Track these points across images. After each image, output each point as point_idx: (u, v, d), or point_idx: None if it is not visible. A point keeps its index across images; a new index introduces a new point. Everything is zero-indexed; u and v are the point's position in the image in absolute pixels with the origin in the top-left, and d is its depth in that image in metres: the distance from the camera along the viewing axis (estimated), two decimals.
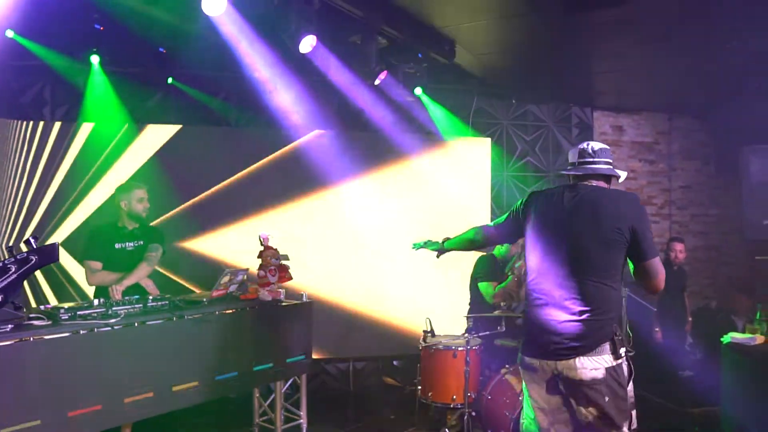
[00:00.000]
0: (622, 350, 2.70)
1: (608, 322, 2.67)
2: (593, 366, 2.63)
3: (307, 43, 3.81)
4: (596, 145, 2.90)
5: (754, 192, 4.45)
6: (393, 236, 5.90)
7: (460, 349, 4.27)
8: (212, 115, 5.81)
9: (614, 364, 2.66)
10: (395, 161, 6.03)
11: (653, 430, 4.74)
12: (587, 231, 2.69)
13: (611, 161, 2.90)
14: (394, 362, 6.28)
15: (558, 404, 2.76)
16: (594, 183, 2.85)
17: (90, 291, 4.32)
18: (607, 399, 2.64)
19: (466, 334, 4.28)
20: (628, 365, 2.77)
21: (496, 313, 4.54)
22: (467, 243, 3.29)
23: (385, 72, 4.26)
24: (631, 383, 2.83)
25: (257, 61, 4.54)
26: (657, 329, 5.88)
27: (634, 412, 3.01)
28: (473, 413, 4.26)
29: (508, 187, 6.70)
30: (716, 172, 7.36)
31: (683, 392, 5.56)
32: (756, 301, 5.28)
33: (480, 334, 4.42)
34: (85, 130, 5.41)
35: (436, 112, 5.60)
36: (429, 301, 5.89)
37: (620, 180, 2.97)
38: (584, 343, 2.63)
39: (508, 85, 6.37)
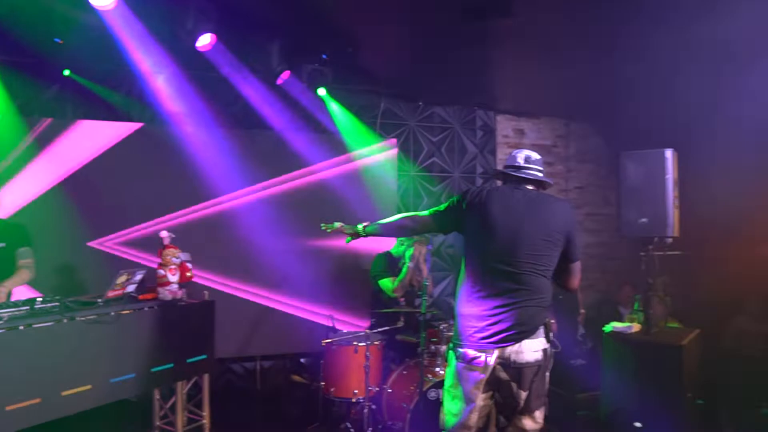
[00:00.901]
0: (551, 335, 3.02)
1: (544, 308, 2.96)
2: (535, 348, 2.90)
3: (205, 41, 3.78)
4: (536, 155, 3.18)
5: (630, 194, 4.81)
6: (298, 233, 5.95)
7: (361, 344, 4.39)
8: (113, 111, 5.61)
9: (546, 346, 2.96)
10: (298, 160, 6.04)
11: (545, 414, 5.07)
12: (536, 229, 2.93)
13: (543, 174, 3.18)
14: (302, 360, 6.32)
15: (487, 398, 2.95)
16: (532, 187, 3.10)
17: None
18: (535, 378, 2.91)
19: (367, 331, 4.41)
20: (551, 351, 3.04)
21: (399, 308, 4.70)
22: (395, 229, 3.36)
23: (288, 72, 4.28)
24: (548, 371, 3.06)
25: (147, 56, 4.42)
26: (552, 320, 6.23)
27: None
28: (373, 406, 4.40)
29: (414, 186, 6.89)
30: (607, 175, 7.90)
31: (574, 379, 5.94)
32: (638, 293, 5.71)
33: (380, 330, 4.55)
34: None
35: (339, 113, 5.66)
36: (335, 298, 5.99)
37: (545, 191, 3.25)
38: (528, 328, 2.88)
39: (414, 87, 6.55)
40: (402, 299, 4.82)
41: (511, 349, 2.87)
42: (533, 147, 7.70)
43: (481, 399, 2.91)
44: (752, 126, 5.76)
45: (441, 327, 4.61)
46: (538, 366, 2.90)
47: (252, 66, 4.35)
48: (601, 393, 5.06)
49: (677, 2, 3.97)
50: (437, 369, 4.42)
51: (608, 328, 4.97)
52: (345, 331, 4.77)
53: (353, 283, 6.10)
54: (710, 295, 6.65)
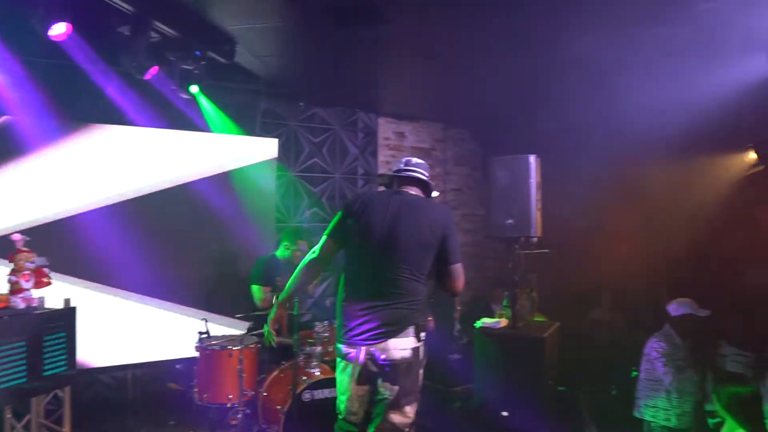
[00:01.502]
0: (423, 335, 3.12)
1: (416, 310, 3.08)
2: (402, 346, 3.03)
3: (60, 30, 3.51)
4: (418, 159, 3.36)
5: (498, 196, 5.10)
6: (169, 236, 5.73)
7: (235, 348, 4.31)
8: None
9: (417, 345, 3.08)
10: (166, 160, 5.77)
11: (421, 408, 5.24)
12: (408, 231, 3.05)
13: (428, 175, 3.33)
14: (177, 366, 6.07)
15: (365, 391, 3.10)
16: (414, 191, 3.24)
17: None
18: (407, 375, 3.05)
19: (241, 334, 4.33)
20: (424, 350, 3.16)
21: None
22: (305, 280, 3.38)
23: (156, 68, 4.11)
24: (422, 368, 3.19)
25: None
26: (429, 318, 6.46)
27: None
28: (248, 411, 4.33)
29: (294, 187, 6.86)
30: (482, 178, 8.31)
31: (450, 373, 6.19)
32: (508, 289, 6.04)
33: (255, 333, 4.49)
34: None
35: (212, 112, 5.49)
36: (210, 302, 5.82)
37: (432, 196, 3.40)
38: (396, 328, 3.02)
39: (295, 87, 6.52)
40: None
41: (378, 347, 3.02)
42: (413, 150, 7.94)
43: (357, 390, 3.09)
44: (603, 137, 6.33)
45: (317, 328, 4.63)
46: (406, 364, 3.04)
47: (116, 59, 4.11)
48: (473, 385, 5.32)
49: (538, 21, 4.25)
50: (312, 370, 4.43)
51: (479, 324, 5.22)
52: (220, 335, 4.65)
53: (229, 286, 5.94)
54: (571, 290, 7.19)
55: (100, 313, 5.40)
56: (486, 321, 5.25)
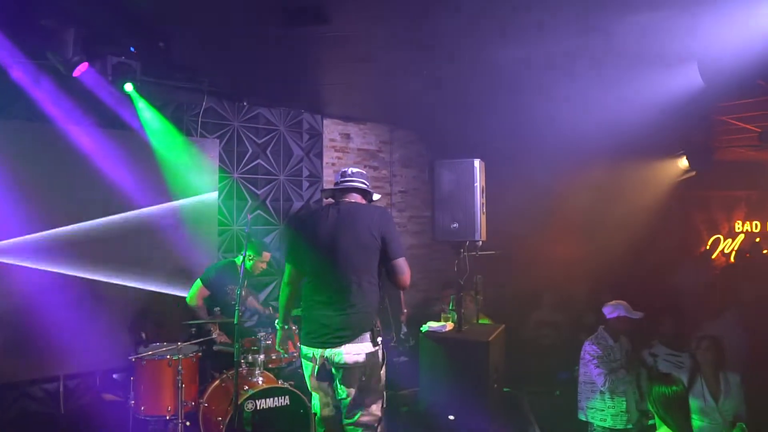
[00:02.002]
0: (379, 339, 3.38)
1: (370, 315, 3.33)
2: (356, 351, 3.26)
3: None
4: (354, 168, 3.63)
5: (442, 200, 5.09)
6: (102, 243, 5.48)
7: (174, 357, 4.14)
8: None
9: (373, 350, 3.33)
10: (94, 161, 5.42)
11: None
12: (349, 238, 3.30)
13: (367, 182, 3.61)
14: (114, 375, 5.81)
15: (326, 387, 3.41)
16: (353, 199, 3.50)
17: None
18: (363, 379, 3.29)
19: (180, 343, 4.17)
20: (383, 352, 3.42)
21: (215, 318, 4.51)
22: (290, 308, 3.70)
23: (86, 64, 3.88)
24: (384, 368, 3.46)
25: None
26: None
27: (385, 393, 3.52)
28: (188, 423, 4.17)
29: (237, 189, 6.68)
30: (429, 180, 8.32)
31: (397, 376, 6.15)
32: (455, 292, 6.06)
33: (194, 342, 4.34)
34: None
35: (148, 111, 5.24)
36: (148, 307, 5.61)
37: (375, 199, 3.70)
38: (349, 333, 3.26)
39: (238, 87, 6.35)
40: (218, 309, 4.63)
41: (333, 351, 3.28)
42: (359, 151, 7.89)
43: (321, 389, 3.43)
44: (545, 143, 6.46)
45: (260, 335, 4.50)
46: (361, 367, 3.27)
47: (41, 54, 3.85)
48: (419, 389, 5.30)
49: (462, 28, 4.28)
50: (255, 379, 4.31)
51: (424, 327, 5.21)
52: (158, 343, 4.46)
53: (165, 300, 5.73)
54: (516, 292, 7.31)
55: (23, 321, 5.11)
56: (431, 325, 5.24)
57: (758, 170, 8.60)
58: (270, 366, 4.71)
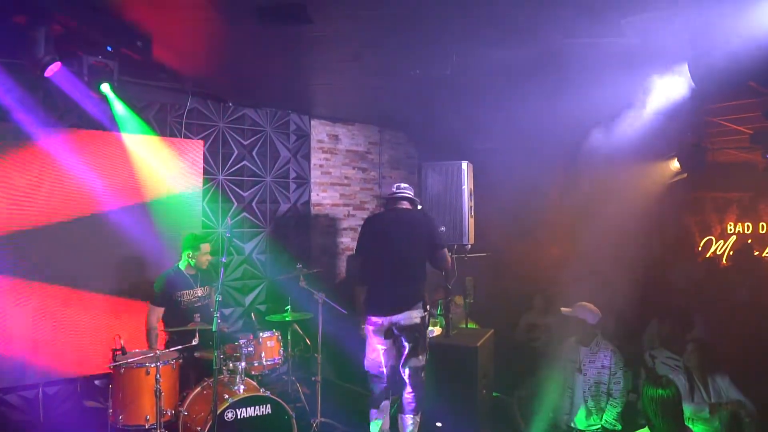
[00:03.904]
0: (428, 307, 4.55)
1: (421, 291, 4.53)
2: (414, 316, 4.42)
3: None
4: (403, 184, 4.77)
5: (431, 202, 5.02)
6: (82, 246, 5.37)
7: (152, 366, 4.03)
8: None
9: (424, 314, 4.49)
10: (72, 166, 5.33)
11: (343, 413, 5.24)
12: (405, 237, 4.50)
13: (412, 193, 4.72)
14: (96, 382, 5.68)
15: (391, 344, 4.49)
16: (404, 206, 4.65)
17: None
18: (418, 335, 4.45)
19: (158, 351, 4.05)
20: (428, 318, 4.61)
21: (194, 325, 4.38)
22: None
23: (59, 63, 3.74)
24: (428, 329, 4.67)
25: None
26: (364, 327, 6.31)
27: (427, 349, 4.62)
28: None
29: (223, 190, 6.56)
30: (419, 182, 8.23)
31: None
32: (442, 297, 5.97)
33: (173, 349, 4.22)
34: None
35: (124, 113, 5.09)
36: (125, 316, 5.48)
37: (419, 207, 4.81)
38: (409, 302, 4.43)
39: (223, 87, 6.23)
40: (197, 315, 4.51)
41: (397, 317, 4.41)
42: (347, 153, 7.78)
43: (383, 346, 4.47)
44: (534, 146, 6.38)
45: (241, 341, 4.38)
46: (418, 327, 4.44)
47: (11, 53, 3.72)
48: None
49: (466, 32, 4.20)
50: (236, 387, 4.19)
51: None
52: (137, 350, 4.33)
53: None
54: (506, 294, 7.22)
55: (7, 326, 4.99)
56: None
57: (750, 172, 8.55)
58: (252, 373, 4.59)
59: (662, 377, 3.55)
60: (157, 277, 4.97)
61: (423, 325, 4.47)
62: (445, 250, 4.64)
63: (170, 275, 4.93)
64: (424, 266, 4.55)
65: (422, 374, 4.51)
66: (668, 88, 4.33)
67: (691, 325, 5.52)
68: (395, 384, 4.55)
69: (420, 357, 4.46)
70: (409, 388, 4.48)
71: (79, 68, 3.96)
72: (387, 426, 4.56)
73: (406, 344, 4.43)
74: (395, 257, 4.45)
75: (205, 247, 4.99)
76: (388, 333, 4.44)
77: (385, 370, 4.48)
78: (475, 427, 4.81)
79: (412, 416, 4.49)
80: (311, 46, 4.66)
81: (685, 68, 3.75)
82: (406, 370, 4.46)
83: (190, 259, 4.95)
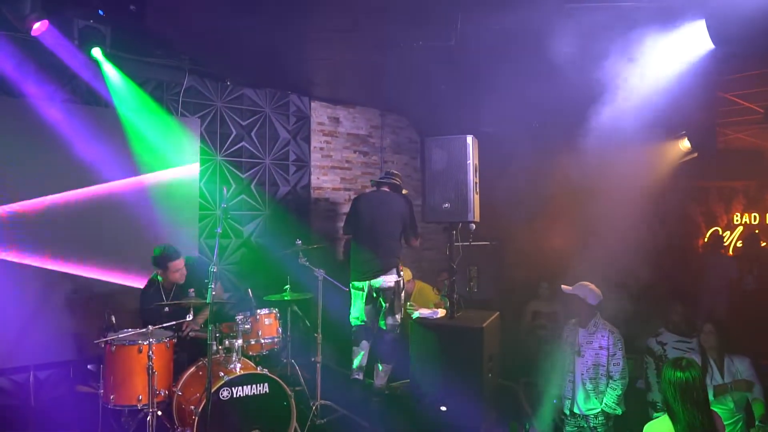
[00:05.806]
0: (400, 273, 5.24)
1: (396, 258, 5.23)
2: (390, 279, 5.13)
3: None
4: (393, 170, 5.74)
5: (434, 179, 4.84)
6: (74, 225, 5.22)
7: (144, 343, 3.85)
8: None
9: (398, 278, 5.19)
10: (59, 137, 5.13)
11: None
12: (385, 214, 5.23)
13: (399, 180, 5.54)
14: (89, 366, 5.51)
15: (371, 306, 5.21)
16: (387, 189, 5.44)
17: None
18: (394, 296, 5.15)
19: (151, 327, 3.87)
20: (402, 280, 5.28)
21: (189, 300, 4.20)
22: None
23: (46, 22, 3.55)
24: (403, 292, 5.32)
25: None
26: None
27: (402, 308, 5.31)
28: (159, 413, 3.88)
29: (220, 172, 6.38)
30: (421, 166, 8.07)
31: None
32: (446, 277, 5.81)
33: (165, 325, 4.05)
34: None
35: (119, 82, 4.88)
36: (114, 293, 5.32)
37: (404, 192, 5.53)
38: (385, 268, 5.13)
39: (221, 64, 6.04)
40: (192, 290, 4.32)
41: (375, 280, 5.12)
42: (348, 136, 7.61)
43: (365, 305, 5.20)
44: (541, 127, 6.21)
45: (238, 318, 4.21)
46: (392, 289, 5.14)
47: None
48: (410, 380, 5.04)
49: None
50: (232, 366, 4.02)
51: (415, 315, 4.96)
52: (128, 328, 4.16)
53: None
54: (512, 282, 7.07)
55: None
56: (423, 311, 4.99)
57: (757, 160, 8.38)
58: (250, 353, 4.43)
59: (683, 359, 3.29)
60: (141, 291, 4.78)
61: (398, 288, 5.19)
62: (417, 229, 5.46)
63: (148, 293, 4.69)
64: (398, 240, 5.29)
65: (397, 330, 5.25)
66: (683, 51, 4.06)
67: (704, 309, 5.38)
68: (374, 337, 5.26)
69: (396, 315, 5.19)
70: (384, 341, 5.20)
71: (69, 31, 3.78)
72: (365, 362, 5.28)
73: (384, 304, 5.16)
74: (374, 231, 5.19)
75: (174, 265, 4.63)
76: (369, 295, 5.18)
77: (365, 322, 5.24)
78: (480, 412, 4.64)
79: (385, 364, 5.25)
80: (308, 12, 4.45)
81: (702, 26, 3.51)
82: (383, 326, 5.19)
83: (160, 276, 4.69)
